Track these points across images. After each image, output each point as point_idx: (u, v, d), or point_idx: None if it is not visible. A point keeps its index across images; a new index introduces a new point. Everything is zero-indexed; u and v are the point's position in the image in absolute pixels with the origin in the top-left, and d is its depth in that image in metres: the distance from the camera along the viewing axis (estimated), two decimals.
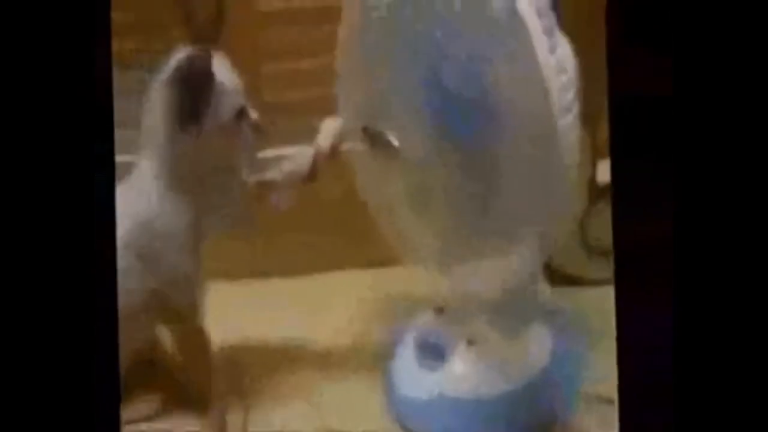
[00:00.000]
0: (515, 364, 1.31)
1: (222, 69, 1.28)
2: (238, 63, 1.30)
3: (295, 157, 1.34)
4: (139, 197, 1.29)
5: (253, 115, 1.31)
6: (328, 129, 1.32)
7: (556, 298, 1.42)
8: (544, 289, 1.38)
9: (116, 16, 1.37)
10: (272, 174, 1.34)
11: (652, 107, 0.91)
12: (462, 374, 1.30)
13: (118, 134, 1.20)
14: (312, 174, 1.33)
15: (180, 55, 1.28)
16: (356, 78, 1.26)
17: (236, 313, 1.51)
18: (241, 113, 1.29)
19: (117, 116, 1.21)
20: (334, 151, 1.32)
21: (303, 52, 1.50)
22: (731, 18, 0.87)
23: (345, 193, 1.34)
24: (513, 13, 1.09)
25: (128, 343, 1.31)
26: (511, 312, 1.29)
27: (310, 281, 1.59)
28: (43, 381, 0.86)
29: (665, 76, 0.88)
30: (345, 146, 1.31)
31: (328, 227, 1.54)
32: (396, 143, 1.22)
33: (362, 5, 1.21)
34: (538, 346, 1.32)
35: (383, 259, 1.35)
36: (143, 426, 1.35)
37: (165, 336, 1.39)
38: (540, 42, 1.08)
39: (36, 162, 0.85)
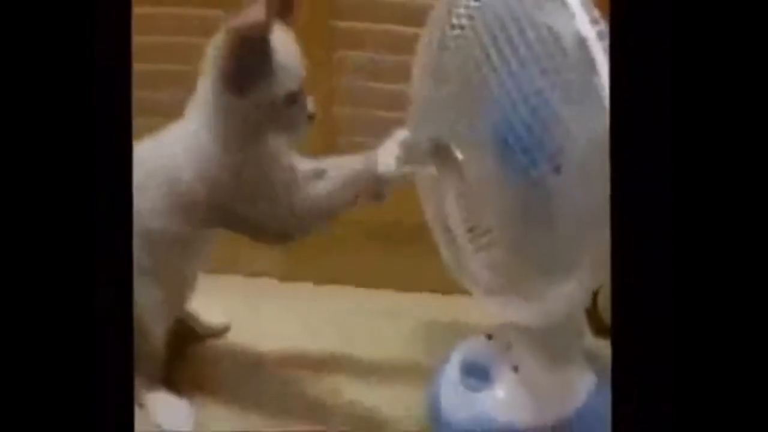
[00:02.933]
0: (556, 396, 1.35)
1: (285, 47, 1.27)
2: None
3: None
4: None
5: (309, 105, 1.31)
6: (396, 134, 1.36)
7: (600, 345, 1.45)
8: (587, 331, 1.42)
9: None
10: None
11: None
12: (504, 398, 1.35)
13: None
14: None
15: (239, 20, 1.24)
16: (427, 102, 1.33)
17: (294, 318, 1.60)
18: (293, 97, 1.29)
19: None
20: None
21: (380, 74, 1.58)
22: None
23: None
24: (582, 43, 1.13)
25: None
26: (556, 343, 1.33)
27: (373, 295, 1.65)
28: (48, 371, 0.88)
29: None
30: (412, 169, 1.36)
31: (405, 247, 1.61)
32: (461, 157, 1.27)
33: (442, 34, 1.28)
34: (579, 384, 1.35)
35: (446, 285, 1.40)
36: None
37: None
38: (604, 66, 1.12)
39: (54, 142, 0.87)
